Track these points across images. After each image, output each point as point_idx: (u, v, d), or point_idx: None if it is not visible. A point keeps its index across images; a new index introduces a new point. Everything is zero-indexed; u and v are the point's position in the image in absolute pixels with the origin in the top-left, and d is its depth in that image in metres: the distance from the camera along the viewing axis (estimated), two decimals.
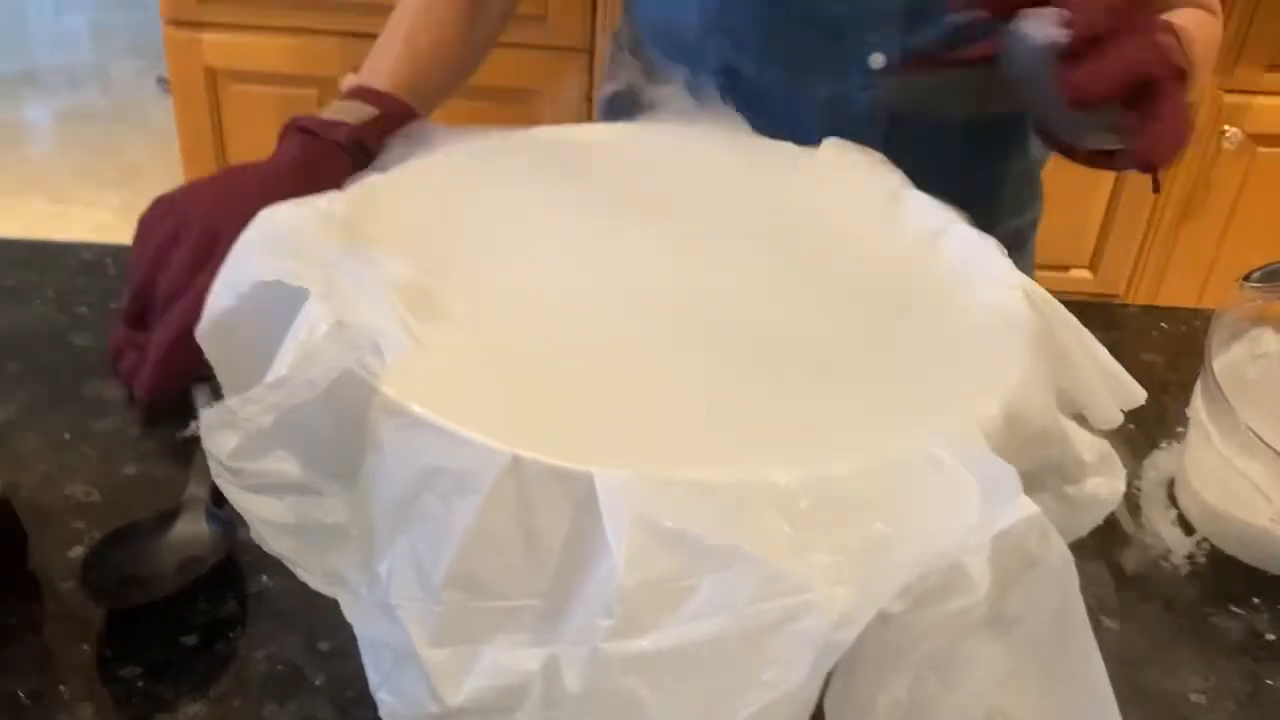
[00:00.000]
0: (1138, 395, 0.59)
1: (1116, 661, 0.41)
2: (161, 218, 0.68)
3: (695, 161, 0.62)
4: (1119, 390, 0.58)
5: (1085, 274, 1.86)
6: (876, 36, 0.78)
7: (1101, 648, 0.40)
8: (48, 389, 0.68)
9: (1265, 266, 0.67)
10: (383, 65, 0.76)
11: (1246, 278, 0.67)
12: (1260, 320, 0.66)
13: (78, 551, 0.56)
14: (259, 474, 0.44)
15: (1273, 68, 1.71)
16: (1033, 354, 0.50)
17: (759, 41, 0.79)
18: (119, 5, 3.95)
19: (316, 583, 0.45)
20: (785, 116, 0.80)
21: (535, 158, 0.61)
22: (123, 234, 2.40)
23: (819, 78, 0.80)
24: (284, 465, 0.44)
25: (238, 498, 0.45)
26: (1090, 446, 0.55)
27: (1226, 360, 0.64)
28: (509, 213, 0.56)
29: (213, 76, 1.73)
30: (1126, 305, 0.86)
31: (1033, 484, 0.50)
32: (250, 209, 0.52)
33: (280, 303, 0.45)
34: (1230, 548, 0.61)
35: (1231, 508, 0.60)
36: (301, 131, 0.70)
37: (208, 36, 1.70)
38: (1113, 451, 0.56)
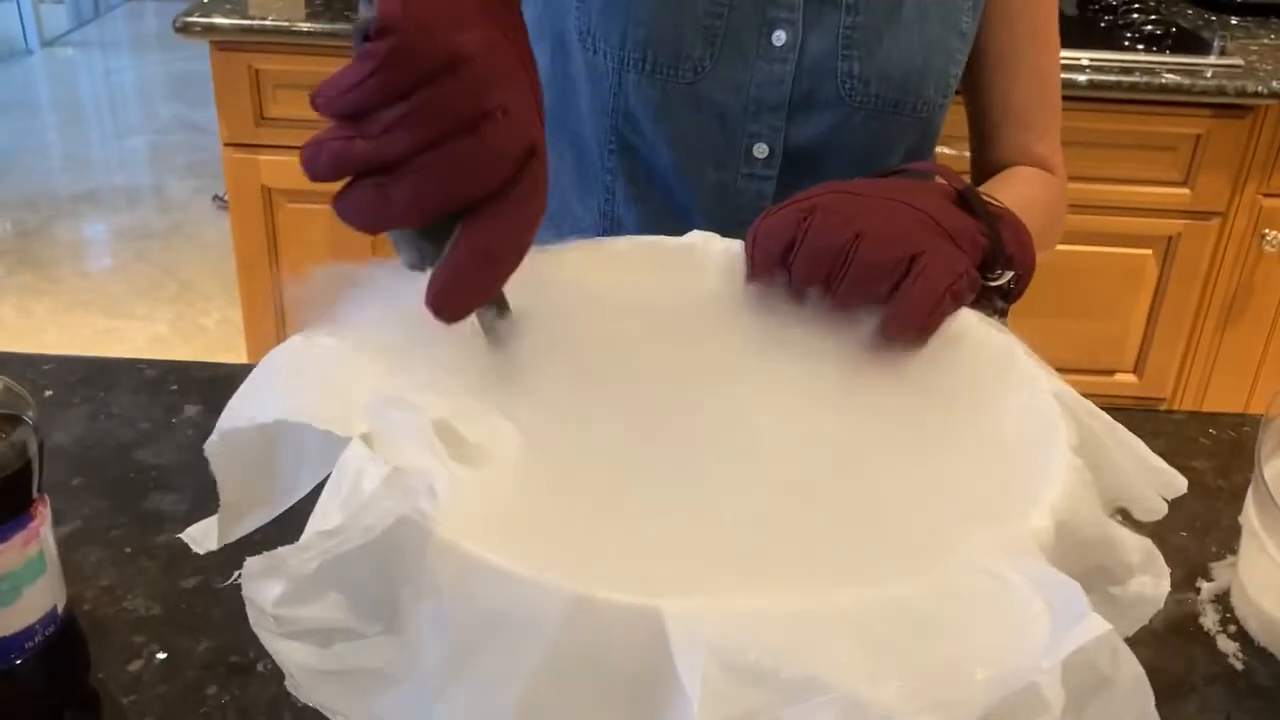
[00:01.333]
0: (1179, 484, 0.58)
1: None
2: (452, 64, 0.43)
3: (692, 284, 0.62)
4: (1159, 481, 0.58)
5: (1131, 378, 1.85)
6: (760, 127, 0.80)
7: None
8: (109, 503, 0.70)
9: None
10: None
11: None
12: None
13: (137, 665, 0.57)
14: (302, 620, 0.43)
15: None
16: (1073, 459, 0.50)
17: (650, 125, 0.81)
18: (177, 127, 4.11)
19: None
20: (675, 199, 0.83)
21: (543, 288, 0.55)
22: (177, 349, 2.46)
23: (707, 163, 0.82)
24: (329, 611, 0.43)
25: (276, 645, 0.43)
26: (1135, 547, 0.54)
27: (1277, 467, 0.64)
28: (530, 347, 0.53)
29: (269, 195, 1.79)
30: (1173, 411, 0.86)
31: (1092, 583, 0.50)
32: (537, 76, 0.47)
33: (297, 430, 0.46)
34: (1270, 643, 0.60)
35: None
36: None
37: (264, 158, 1.76)
38: (1156, 550, 0.55)
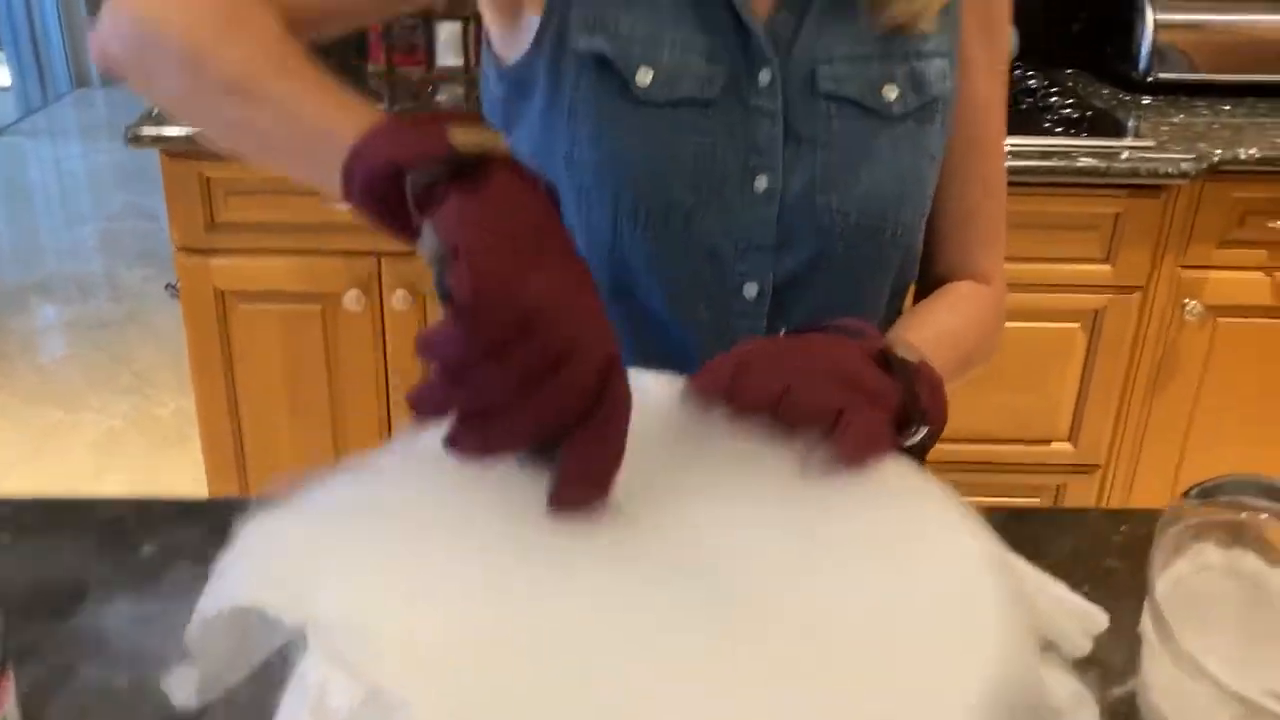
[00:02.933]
0: (1101, 622, 0.63)
1: None
2: (527, 328, 0.52)
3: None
4: (1084, 620, 0.63)
5: (1066, 446, 1.92)
6: (748, 267, 0.84)
7: None
8: (69, 649, 0.72)
9: (1202, 483, 0.73)
10: (354, 98, 0.64)
11: (1186, 494, 0.72)
12: (1201, 534, 0.70)
13: None
14: None
15: (1223, 244, 1.81)
16: (1004, 615, 0.54)
17: (645, 271, 0.84)
18: (128, 215, 4.13)
19: None
20: (672, 338, 0.87)
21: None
22: (131, 442, 2.48)
23: (700, 304, 0.85)
24: None
25: None
26: (1063, 686, 0.59)
27: (1174, 574, 0.69)
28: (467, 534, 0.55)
29: (221, 296, 1.82)
30: (1089, 510, 0.91)
31: None
32: (597, 294, 0.55)
33: (264, 623, 0.49)
34: None
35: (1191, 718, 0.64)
36: (514, 174, 0.58)
37: (215, 261, 1.80)
38: (1084, 690, 0.60)
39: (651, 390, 0.67)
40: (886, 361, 0.71)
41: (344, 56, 2.05)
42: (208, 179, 1.74)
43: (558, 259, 0.55)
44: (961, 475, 1.92)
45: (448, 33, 1.99)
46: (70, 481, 2.53)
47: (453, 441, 0.54)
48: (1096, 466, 1.94)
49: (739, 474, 0.63)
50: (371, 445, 1.66)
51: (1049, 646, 0.61)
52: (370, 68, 2.02)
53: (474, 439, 0.54)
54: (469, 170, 0.55)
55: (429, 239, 0.54)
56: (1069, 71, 2.19)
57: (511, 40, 0.84)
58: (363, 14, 0.84)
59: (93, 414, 2.84)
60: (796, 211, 0.83)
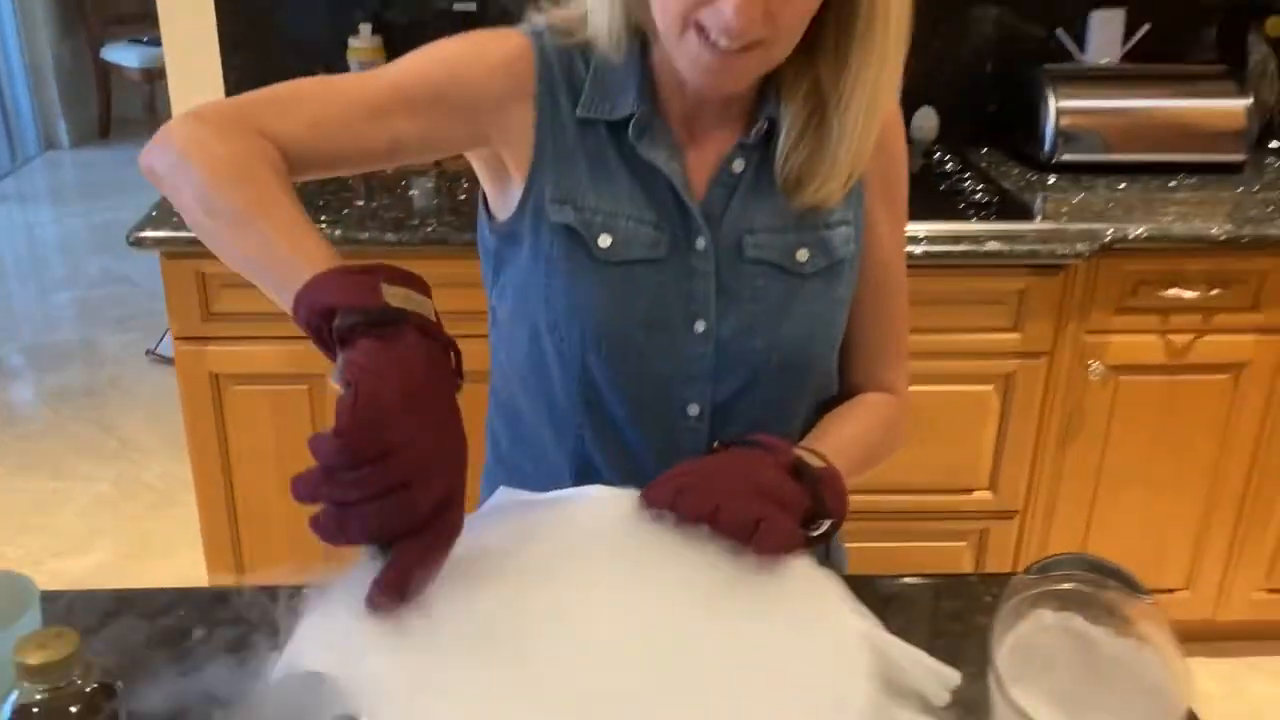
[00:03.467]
0: (954, 679, 0.83)
1: None
2: (385, 455, 0.70)
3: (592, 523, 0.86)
4: (940, 679, 0.83)
5: (987, 494, 2.13)
6: (691, 392, 1.03)
7: None
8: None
9: (1039, 561, 0.92)
10: (320, 245, 0.83)
11: (1027, 570, 0.91)
12: (1038, 602, 0.89)
13: None
14: None
15: (1119, 311, 2.02)
16: (868, 675, 0.73)
17: (608, 392, 1.03)
18: (105, 280, 4.26)
19: None
20: (630, 446, 1.06)
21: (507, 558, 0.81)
22: (120, 507, 2.64)
23: (651, 418, 1.04)
24: None
25: None
26: None
27: (1017, 635, 0.88)
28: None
29: (216, 380, 1.99)
30: (969, 575, 1.10)
31: None
32: (460, 444, 0.74)
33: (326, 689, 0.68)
34: None
35: None
36: (425, 334, 0.75)
37: (211, 348, 1.97)
38: None
39: (615, 503, 0.87)
40: (798, 471, 0.91)
41: None
42: (203, 274, 1.91)
43: (431, 408, 0.74)
44: (896, 523, 2.16)
45: None
46: (62, 548, 2.67)
47: (317, 524, 0.72)
48: (1015, 512, 2.15)
49: (678, 567, 0.83)
50: None
51: (915, 696, 0.81)
52: None
53: (332, 527, 0.72)
54: (386, 323, 0.74)
55: (338, 373, 0.73)
56: (984, 151, 2.41)
57: (501, 203, 1.04)
58: (357, 166, 1.01)
59: (81, 481, 2.98)
60: (729, 350, 1.02)
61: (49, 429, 3.23)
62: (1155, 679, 0.83)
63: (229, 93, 2.37)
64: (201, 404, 2.00)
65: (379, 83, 0.96)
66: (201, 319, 1.95)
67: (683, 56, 0.92)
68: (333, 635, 0.73)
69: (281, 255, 0.82)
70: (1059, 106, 2.24)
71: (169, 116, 3.29)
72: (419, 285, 0.79)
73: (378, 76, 0.97)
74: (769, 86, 1.00)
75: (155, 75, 5.53)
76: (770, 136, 1.01)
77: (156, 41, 5.68)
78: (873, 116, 0.99)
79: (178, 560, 2.59)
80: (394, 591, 0.73)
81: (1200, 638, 2.36)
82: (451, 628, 0.75)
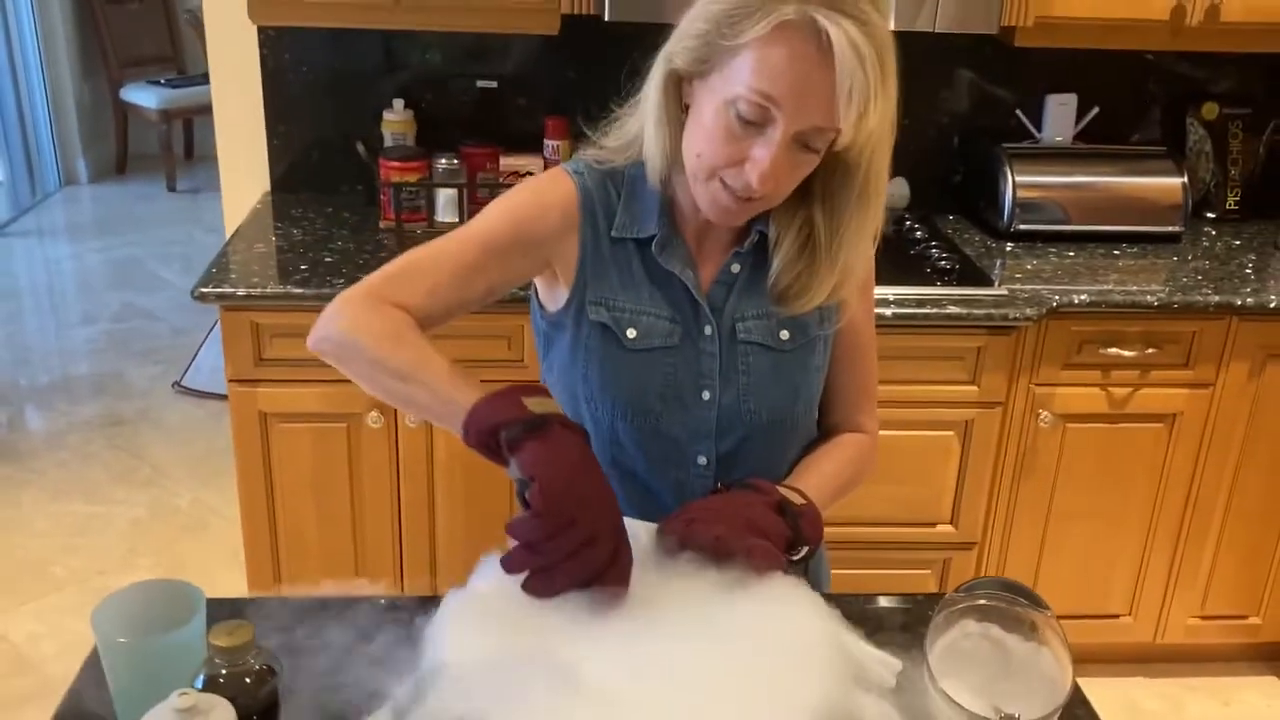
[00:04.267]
0: (897, 666, 1.08)
1: None
2: (573, 523, 0.99)
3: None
4: (888, 666, 1.08)
5: (949, 528, 2.38)
6: (699, 447, 1.29)
7: None
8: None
9: (967, 582, 1.17)
10: (469, 383, 1.10)
11: (956, 589, 1.17)
12: (964, 614, 1.14)
13: None
14: None
15: (1066, 367, 2.29)
16: (831, 666, 0.98)
17: (632, 448, 1.29)
18: (128, 315, 4.49)
19: None
20: (649, 491, 1.32)
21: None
22: (155, 530, 2.90)
23: (669, 468, 1.30)
24: None
25: None
26: (874, 711, 1.02)
27: (948, 639, 1.13)
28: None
29: (264, 418, 2.23)
30: (918, 595, 1.35)
31: None
32: (614, 501, 1.02)
33: None
34: None
35: None
36: (566, 427, 1.04)
37: (261, 390, 2.21)
38: (890, 710, 1.03)
39: (640, 533, 1.12)
40: (782, 509, 1.17)
41: (364, 216, 2.50)
42: (257, 324, 2.16)
43: (591, 480, 1.03)
44: (869, 552, 2.44)
45: (446, 197, 2.44)
46: (106, 567, 2.90)
47: (527, 586, 1.02)
48: (974, 543, 2.40)
49: (688, 585, 1.08)
50: (384, 538, 2.29)
51: (869, 684, 1.06)
52: (382, 224, 2.46)
53: (540, 584, 1.02)
54: (538, 426, 1.02)
55: (514, 470, 1.02)
56: (950, 218, 2.68)
57: (549, 298, 1.30)
58: (468, 310, 1.26)
59: (119, 507, 3.20)
60: (729, 413, 1.28)
61: (83, 457, 3.45)
62: (1050, 673, 1.08)
63: (271, 153, 2.62)
64: (251, 439, 2.24)
65: (468, 243, 1.22)
66: (254, 363, 2.19)
67: (703, 197, 1.18)
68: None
69: (445, 397, 1.10)
70: (1017, 180, 2.51)
71: (188, 156, 3.61)
72: (543, 391, 1.09)
73: (466, 237, 1.23)
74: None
75: (171, 115, 5.79)
76: (761, 245, 1.27)
77: (174, 84, 5.97)
78: (862, 250, 1.24)
79: (215, 579, 2.82)
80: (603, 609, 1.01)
81: (1142, 659, 2.62)
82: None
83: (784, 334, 1.28)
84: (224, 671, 0.92)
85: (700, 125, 1.15)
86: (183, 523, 3.14)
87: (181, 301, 4.37)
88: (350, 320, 1.17)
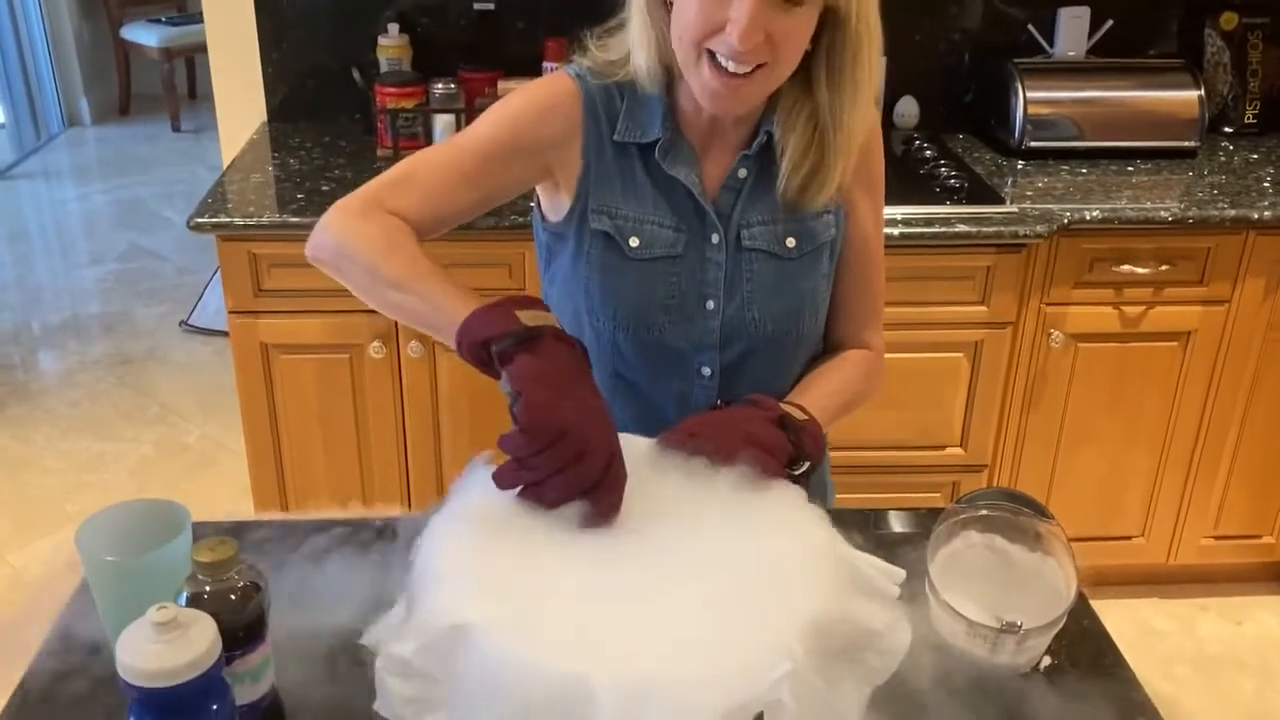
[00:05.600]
0: (899, 575, 1.06)
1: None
2: (562, 438, 0.96)
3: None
4: (891, 576, 1.06)
5: (958, 451, 2.36)
6: (703, 358, 1.26)
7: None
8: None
9: (969, 494, 1.15)
10: (461, 293, 1.08)
11: (958, 501, 1.14)
12: (967, 525, 1.12)
13: None
14: (401, 666, 0.90)
15: (1078, 285, 2.25)
16: (830, 573, 0.96)
17: (634, 361, 1.26)
18: (134, 255, 4.48)
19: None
20: (652, 404, 1.30)
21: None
22: (164, 467, 2.91)
23: (672, 380, 1.27)
24: (415, 660, 0.90)
25: (385, 678, 0.90)
26: (879, 618, 1.00)
27: (950, 549, 1.10)
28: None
29: (265, 349, 2.22)
30: (919, 510, 1.32)
31: (847, 652, 0.95)
32: (606, 414, 0.99)
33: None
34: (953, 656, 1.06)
35: (949, 637, 1.06)
36: (559, 340, 1.01)
37: (262, 321, 2.19)
38: (898, 616, 1.01)
39: (641, 445, 1.10)
40: (783, 423, 1.14)
41: (362, 144, 2.46)
42: (255, 255, 2.14)
43: (582, 394, 1.00)
44: (878, 475, 2.42)
45: (443, 123, 2.39)
46: (116, 502, 2.90)
47: (521, 499, 0.99)
48: (984, 466, 2.38)
49: (689, 488, 1.06)
50: (391, 467, 2.28)
51: (875, 594, 1.04)
52: (379, 152, 2.42)
53: (532, 499, 0.99)
54: (530, 339, 1.00)
55: (505, 385, 0.99)
56: (960, 137, 2.63)
57: (552, 208, 1.27)
58: (467, 217, 1.24)
59: (127, 445, 3.21)
60: (732, 323, 1.25)
61: (91, 396, 3.46)
62: (1054, 583, 1.06)
63: (266, 84, 2.58)
64: (253, 371, 2.22)
65: (466, 150, 1.20)
66: (253, 295, 2.17)
67: (696, 81, 1.14)
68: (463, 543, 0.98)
69: (439, 307, 1.08)
70: (1028, 97, 2.45)
71: (191, 95, 3.62)
72: (539, 304, 1.06)
73: (464, 144, 1.20)
74: (768, 108, 1.22)
75: (173, 54, 5.73)
76: (768, 148, 1.23)
77: (174, 21, 5.90)
78: (862, 113, 1.20)
79: (223, 512, 2.81)
80: (591, 524, 0.99)
81: (1154, 580, 2.60)
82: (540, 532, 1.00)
83: (790, 241, 1.25)
84: (207, 588, 0.90)
85: (681, 8, 1.12)
86: (191, 459, 3.15)
87: (187, 241, 4.35)
88: (346, 229, 1.15)
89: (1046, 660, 1.06)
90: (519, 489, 1.00)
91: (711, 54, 1.11)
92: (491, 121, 1.21)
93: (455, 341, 1.05)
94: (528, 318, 1.02)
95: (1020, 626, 0.99)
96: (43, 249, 4.66)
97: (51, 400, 3.43)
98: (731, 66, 1.11)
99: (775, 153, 1.23)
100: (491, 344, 1.01)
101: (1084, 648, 1.09)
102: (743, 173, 1.23)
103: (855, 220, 1.30)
